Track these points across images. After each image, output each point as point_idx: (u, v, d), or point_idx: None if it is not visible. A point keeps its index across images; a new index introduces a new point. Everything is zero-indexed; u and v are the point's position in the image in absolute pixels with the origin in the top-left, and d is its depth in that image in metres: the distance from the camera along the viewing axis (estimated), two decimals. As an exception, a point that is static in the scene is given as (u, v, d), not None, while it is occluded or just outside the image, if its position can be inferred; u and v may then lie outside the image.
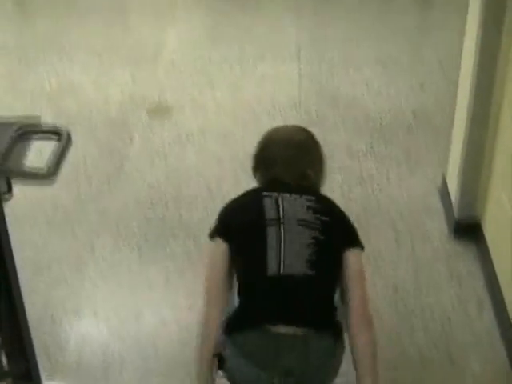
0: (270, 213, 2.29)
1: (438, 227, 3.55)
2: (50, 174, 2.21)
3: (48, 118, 4.34)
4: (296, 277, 2.22)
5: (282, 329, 2.15)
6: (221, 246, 2.33)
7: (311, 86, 4.72)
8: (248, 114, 4.43)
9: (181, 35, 5.42)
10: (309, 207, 2.32)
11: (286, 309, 2.19)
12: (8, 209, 2.31)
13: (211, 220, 2.38)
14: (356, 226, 2.39)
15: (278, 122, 4.21)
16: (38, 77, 4.88)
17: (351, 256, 2.32)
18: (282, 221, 2.27)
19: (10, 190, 2.36)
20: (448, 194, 3.59)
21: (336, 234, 2.33)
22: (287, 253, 2.23)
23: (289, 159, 2.45)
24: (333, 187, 3.69)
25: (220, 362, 2.20)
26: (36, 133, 2.68)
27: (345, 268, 2.30)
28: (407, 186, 3.85)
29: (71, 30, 5.52)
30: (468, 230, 3.44)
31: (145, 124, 4.36)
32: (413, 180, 3.89)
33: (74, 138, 4.04)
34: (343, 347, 2.25)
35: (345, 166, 3.96)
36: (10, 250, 2.12)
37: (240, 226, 2.33)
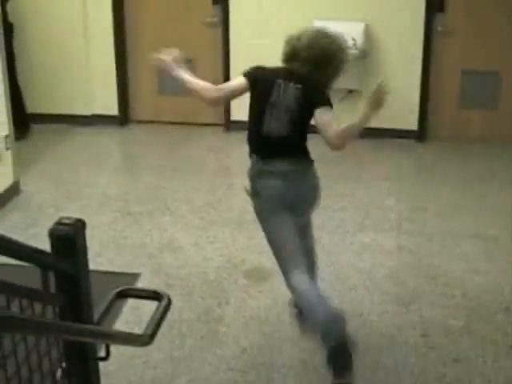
0: (274, 95, 3.46)
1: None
2: (147, 341, 2.24)
3: (147, 275, 4.49)
4: (275, 136, 3.50)
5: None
6: (244, 80, 3.54)
7: (409, 259, 4.73)
8: (344, 283, 4.44)
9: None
10: (296, 94, 3.44)
11: (269, 155, 3.55)
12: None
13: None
14: None
15: (374, 293, 4.26)
16: (140, 231, 5.08)
17: (320, 112, 3.44)
18: (277, 101, 3.46)
19: (107, 355, 2.41)
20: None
21: (309, 102, 3.44)
22: (273, 121, 3.47)
23: (308, 58, 3.50)
24: (427, 367, 3.61)
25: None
26: (135, 296, 2.74)
27: (316, 121, 3.43)
28: (504, 367, 3.73)
29: (176, 187, 5.76)
30: None
31: (241, 287, 4.41)
32: (510, 362, 3.77)
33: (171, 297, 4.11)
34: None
35: (440, 344, 3.89)
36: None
37: (260, 85, 3.52)
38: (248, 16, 6.75)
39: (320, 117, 3.45)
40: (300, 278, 3.45)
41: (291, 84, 3.48)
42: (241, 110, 6.79)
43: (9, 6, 6.45)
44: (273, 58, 6.61)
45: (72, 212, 5.34)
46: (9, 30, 6.51)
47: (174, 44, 3.94)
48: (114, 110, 7.19)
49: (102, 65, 7.07)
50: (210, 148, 6.68)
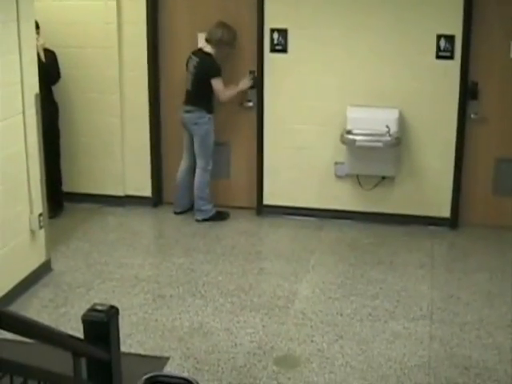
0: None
1: None
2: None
3: (176, 359, 4.50)
4: (188, 90, 6.70)
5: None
6: None
7: (442, 349, 4.69)
8: (375, 372, 4.41)
9: (313, 284, 5.58)
10: (196, 64, 6.62)
11: (186, 100, 6.75)
12: None
13: None
14: None
15: (405, 383, 4.23)
16: (171, 314, 5.11)
17: (213, 82, 6.55)
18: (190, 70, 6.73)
19: None
20: None
21: (202, 72, 6.59)
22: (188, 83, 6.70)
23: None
24: None
25: None
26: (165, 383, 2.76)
27: (213, 86, 6.57)
28: None
29: (207, 269, 5.80)
30: None
31: (271, 374, 4.39)
32: None
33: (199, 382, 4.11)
34: (207, 112, 6.71)
35: None
36: None
37: None
38: (283, 101, 6.85)
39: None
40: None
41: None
42: (273, 195, 6.99)
43: (54, 87, 6.76)
44: (309, 142, 6.80)
45: (102, 293, 5.41)
46: (54, 108, 6.80)
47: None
48: (147, 191, 7.31)
49: (136, 146, 7.22)
50: (242, 231, 6.72)
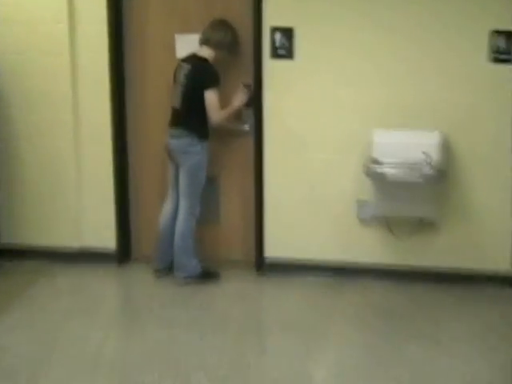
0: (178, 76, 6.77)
1: None
2: None
3: None
4: (176, 108, 6.73)
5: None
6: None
7: None
8: None
9: (330, 365, 5.47)
10: (188, 72, 6.63)
11: (172, 122, 6.78)
12: None
13: None
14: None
15: None
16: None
17: (206, 94, 6.53)
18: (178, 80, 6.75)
19: None
20: None
21: (196, 82, 6.58)
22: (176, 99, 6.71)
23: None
24: None
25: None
26: None
27: (205, 100, 6.55)
28: None
29: (192, 348, 5.67)
30: None
31: None
32: None
33: None
34: (200, 138, 6.68)
35: None
36: None
37: None
38: (289, 122, 6.84)
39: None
40: None
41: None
42: (277, 245, 6.91)
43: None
44: (323, 175, 6.78)
45: (53, 381, 5.24)
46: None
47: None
48: (110, 243, 7.28)
49: (96, 181, 7.21)
50: (237, 295, 6.66)
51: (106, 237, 7.26)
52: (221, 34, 6.62)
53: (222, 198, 7.18)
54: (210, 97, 6.51)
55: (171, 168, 6.79)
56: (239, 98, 6.75)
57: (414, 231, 6.73)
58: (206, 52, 6.62)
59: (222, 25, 6.66)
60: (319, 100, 6.75)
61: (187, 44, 6.86)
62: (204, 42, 6.65)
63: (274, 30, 6.68)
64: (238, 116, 6.90)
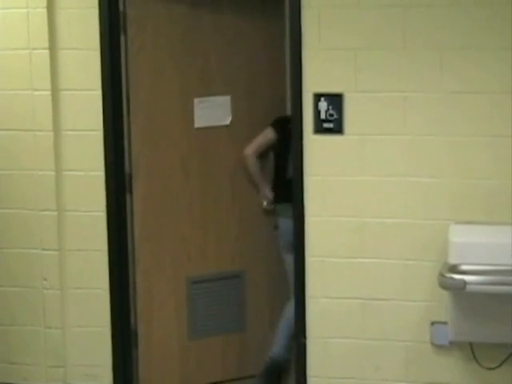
0: None
1: None
2: None
3: None
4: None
5: None
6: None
7: None
8: None
9: None
10: None
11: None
12: None
13: None
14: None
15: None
16: None
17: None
18: None
19: None
20: None
21: None
22: None
23: None
24: None
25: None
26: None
27: None
28: None
29: None
30: None
31: None
32: None
33: None
34: None
35: None
36: None
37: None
38: (337, 218, 6.00)
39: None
40: None
41: None
42: (323, 369, 6.09)
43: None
44: (383, 289, 6.24)
45: None
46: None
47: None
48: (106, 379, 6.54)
49: (87, 300, 6.43)
50: None
51: (99, 371, 6.48)
52: None
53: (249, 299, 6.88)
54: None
55: None
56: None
57: (507, 360, 5.83)
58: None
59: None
60: (376, 187, 5.91)
61: (208, 110, 6.52)
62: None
63: (319, 96, 5.88)
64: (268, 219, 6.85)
